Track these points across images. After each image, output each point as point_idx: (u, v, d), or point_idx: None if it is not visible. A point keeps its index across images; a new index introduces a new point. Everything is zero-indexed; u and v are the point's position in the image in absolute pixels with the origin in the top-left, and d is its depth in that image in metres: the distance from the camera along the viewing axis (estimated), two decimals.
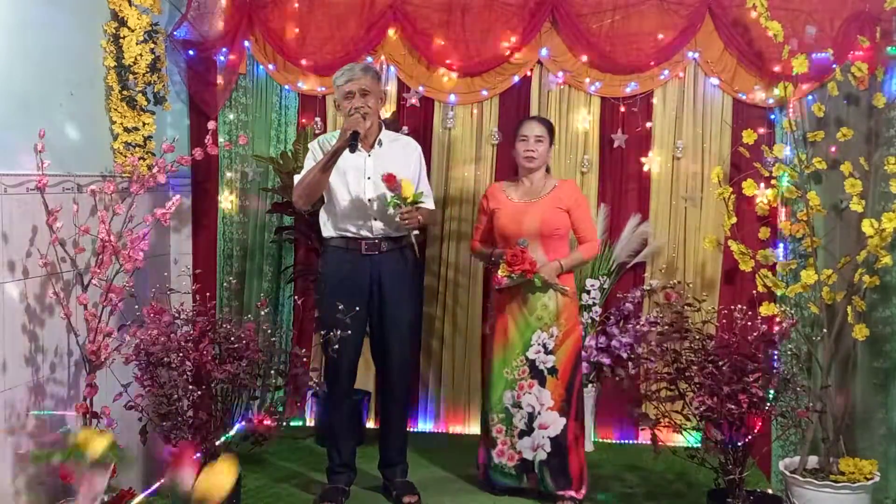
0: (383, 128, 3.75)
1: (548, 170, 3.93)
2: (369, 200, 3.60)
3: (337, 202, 3.64)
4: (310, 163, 3.63)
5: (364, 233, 3.62)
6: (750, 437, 3.52)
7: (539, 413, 3.69)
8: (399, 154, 3.68)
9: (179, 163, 3.86)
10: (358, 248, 3.62)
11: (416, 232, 3.64)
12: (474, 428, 4.75)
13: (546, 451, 3.69)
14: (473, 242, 4.03)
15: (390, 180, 3.46)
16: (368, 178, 3.60)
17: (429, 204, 3.75)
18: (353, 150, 3.45)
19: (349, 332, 3.46)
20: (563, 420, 3.68)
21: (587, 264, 4.18)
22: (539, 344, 3.71)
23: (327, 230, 3.69)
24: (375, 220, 3.60)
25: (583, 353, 4.09)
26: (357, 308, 3.52)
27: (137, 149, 4.06)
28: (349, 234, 3.63)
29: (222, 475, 1.26)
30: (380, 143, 3.66)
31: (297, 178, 3.67)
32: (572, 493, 3.71)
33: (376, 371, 3.93)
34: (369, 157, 3.62)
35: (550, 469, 3.69)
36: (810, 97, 4.26)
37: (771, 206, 4.26)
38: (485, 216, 3.91)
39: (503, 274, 3.64)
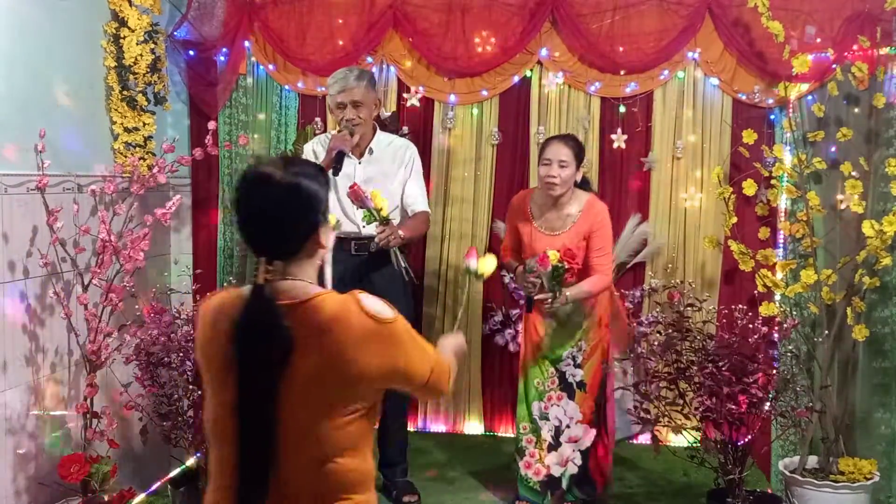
0: (377, 132, 3.74)
1: (587, 185, 3.73)
2: (357, 208, 3.60)
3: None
4: None
5: (352, 233, 3.62)
6: (750, 436, 3.52)
7: (568, 426, 3.62)
8: (390, 159, 3.67)
9: (180, 163, 3.87)
10: (348, 248, 3.63)
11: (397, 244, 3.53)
12: (474, 429, 4.75)
13: (577, 464, 3.61)
14: (503, 251, 3.87)
15: (353, 190, 3.33)
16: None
17: (421, 206, 3.73)
18: (336, 174, 3.43)
19: None
20: (594, 431, 3.64)
21: (593, 297, 3.75)
22: (569, 358, 3.66)
23: None
24: (365, 225, 3.60)
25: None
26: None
27: (138, 149, 4.07)
28: (340, 235, 3.64)
29: (490, 259, 2.53)
30: (370, 151, 3.65)
31: None
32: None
33: None
34: (359, 164, 3.62)
35: (577, 480, 3.66)
36: (810, 97, 4.26)
37: (771, 206, 4.26)
38: (514, 228, 3.78)
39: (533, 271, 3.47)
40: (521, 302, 3.74)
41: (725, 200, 4.08)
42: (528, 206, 3.71)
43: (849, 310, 3.88)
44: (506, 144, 4.62)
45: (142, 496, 3.82)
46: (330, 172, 3.41)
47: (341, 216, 3.63)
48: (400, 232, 3.45)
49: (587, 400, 3.63)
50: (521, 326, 4.07)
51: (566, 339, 3.65)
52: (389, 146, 3.73)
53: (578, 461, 3.61)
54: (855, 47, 4.07)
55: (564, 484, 3.64)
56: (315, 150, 3.67)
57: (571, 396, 3.63)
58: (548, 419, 3.65)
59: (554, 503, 3.68)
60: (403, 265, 3.59)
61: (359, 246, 3.62)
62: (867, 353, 4.09)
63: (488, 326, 4.65)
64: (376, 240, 3.43)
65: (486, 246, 4.64)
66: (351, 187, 3.34)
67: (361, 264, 3.63)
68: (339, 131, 3.54)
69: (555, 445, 3.64)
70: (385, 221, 3.40)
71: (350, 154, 3.54)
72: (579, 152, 3.61)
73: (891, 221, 3.66)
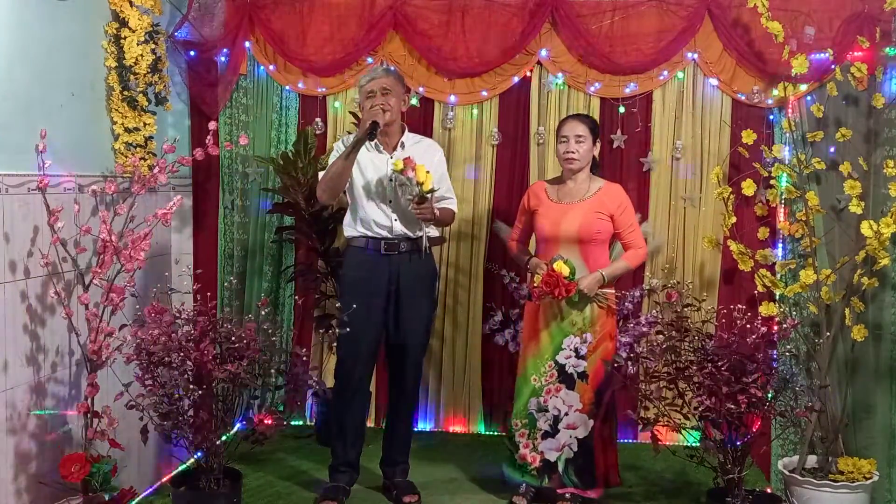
0: (406, 130, 3.78)
1: (596, 169, 3.83)
2: (390, 202, 3.63)
3: (359, 203, 3.68)
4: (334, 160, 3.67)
5: (384, 233, 3.65)
6: (749, 436, 3.53)
7: (567, 414, 3.66)
8: (420, 156, 3.70)
9: (180, 163, 3.87)
10: (378, 248, 3.66)
11: (432, 233, 3.69)
12: (474, 428, 4.76)
13: (573, 449, 3.67)
14: (511, 242, 3.98)
15: (407, 162, 3.51)
16: (390, 180, 3.63)
17: (451, 205, 3.79)
18: (372, 139, 3.53)
19: (347, 329, 3.50)
20: (591, 422, 3.67)
21: (632, 271, 3.98)
22: (571, 348, 3.67)
23: (349, 230, 3.74)
24: (396, 221, 3.64)
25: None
26: (355, 306, 3.55)
27: (138, 149, 4.08)
28: (370, 235, 3.67)
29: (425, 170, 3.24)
30: (402, 146, 3.70)
31: (321, 175, 3.71)
32: (572, 490, 3.72)
33: (389, 370, 3.93)
34: (391, 158, 3.65)
35: (576, 467, 3.68)
36: (809, 98, 4.27)
37: (770, 207, 4.26)
38: (524, 215, 3.87)
39: (540, 293, 3.59)
40: (524, 292, 3.77)
41: (724, 200, 4.08)
42: (545, 189, 3.82)
43: (847, 310, 3.88)
44: (506, 144, 4.63)
45: (142, 496, 3.83)
46: (367, 141, 3.52)
47: (374, 215, 3.65)
48: (435, 211, 3.59)
49: (588, 391, 3.66)
50: (520, 325, 4.08)
51: (568, 327, 3.67)
52: (418, 144, 3.77)
53: (575, 447, 3.66)
54: (856, 50, 4.08)
55: (561, 468, 3.68)
56: (344, 143, 3.69)
57: (571, 387, 3.66)
58: (546, 410, 3.68)
59: (552, 485, 3.72)
60: (427, 246, 3.67)
61: (388, 245, 3.65)
62: (866, 353, 4.10)
63: (488, 326, 4.66)
64: (411, 209, 3.53)
65: (486, 246, 4.65)
66: (405, 159, 3.49)
67: (390, 265, 3.65)
68: (371, 108, 3.58)
69: (552, 433, 3.68)
70: (423, 197, 3.51)
71: (382, 150, 3.59)
72: (595, 128, 3.74)
73: (888, 223, 3.67)
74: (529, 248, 3.98)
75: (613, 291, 3.74)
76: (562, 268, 3.55)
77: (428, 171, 3.53)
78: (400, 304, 3.69)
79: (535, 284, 3.63)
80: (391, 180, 3.62)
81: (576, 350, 3.66)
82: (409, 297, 3.69)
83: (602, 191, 3.71)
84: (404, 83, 3.81)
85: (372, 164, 3.65)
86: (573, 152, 3.66)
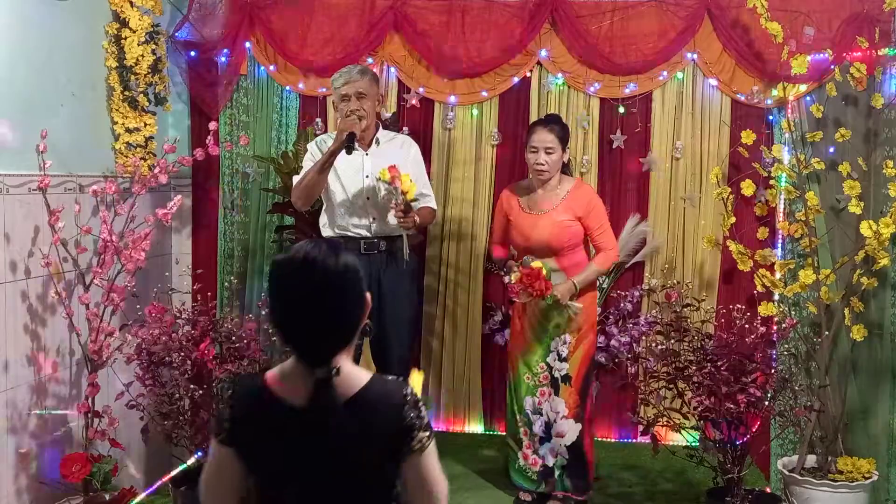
0: (380, 127, 3.77)
1: (567, 168, 3.83)
2: (367, 199, 3.62)
3: (335, 202, 3.66)
4: (308, 164, 3.66)
5: (362, 232, 3.63)
6: (748, 436, 3.53)
7: (555, 421, 3.68)
8: (396, 152, 3.69)
9: (181, 163, 3.88)
10: (356, 247, 3.64)
11: (410, 232, 3.66)
12: (474, 427, 4.76)
13: (565, 457, 3.69)
14: (493, 247, 4.00)
15: (392, 171, 3.47)
16: (367, 176, 3.62)
17: (430, 203, 3.78)
18: (349, 152, 3.47)
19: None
20: (579, 426, 3.69)
21: (602, 274, 4.04)
22: (555, 351, 3.69)
23: (326, 230, 3.72)
24: (374, 220, 3.62)
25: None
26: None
27: (139, 149, 4.09)
28: (348, 234, 3.65)
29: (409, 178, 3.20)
30: (377, 142, 3.69)
31: (295, 180, 3.69)
32: (565, 494, 3.73)
33: (376, 370, 3.95)
34: (367, 155, 3.64)
35: (570, 474, 3.70)
36: (809, 98, 4.27)
37: (769, 207, 4.27)
38: (501, 218, 3.89)
39: (519, 291, 3.59)
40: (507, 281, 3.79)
41: (724, 201, 4.09)
42: (515, 192, 3.83)
43: (847, 310, 3.89)
44: (506, 145, 4.63)
45: (143, 495, 3.83)
46: (343, 153, 3.46)
47: (351, 214, 3.64)
48: (416, 218, 3.56)
49: (572, 394, 3.67)
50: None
51: (552, 329, 3.68)
52: (393, 140, 3.77)
53: (566, 455, 3.68)
54: (855, 50, 4.08)
55: (556, 474, 3.71)
56: (319, 147, 3.67)
57: (556, 392, 3.68)
58: (541, 413, 3.69)
59: (548, 489, 3.74)
60: (407, 250, 3.64)
61: (368, 245, 3.64)
62: (865, 353, 4.10)
63: (488, 326, 4.67)
64: (397, 222, 3.51)
65: (486, 246, 4.66)
66: (390, 168, 3.46)
67: (370, 264, 3.65)
68: (346, 115, 3.56)
69: (546, 438, 3.70)
70: (409, 206, 3.48)
71: (357, 146, 3.56)
72: (564, 135, 3.74)
73: (887, 223, 3.67)
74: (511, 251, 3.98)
75: (583, 306, 3.67)
76: (540, 265, 3.56)
77: (412, 180, 3.50)
78: (383, 305, 3.67)
79: (512, 282, 3.60)
80: (367, 176, 3.60)
81: (558, 353, 3.68)
82: (392, 296, 3.67)
83: (570, 194, 3.71)
84: (378, 83, 3.80)
85: (347, 164, 3.62)
86: (543, 164, 3.66)
